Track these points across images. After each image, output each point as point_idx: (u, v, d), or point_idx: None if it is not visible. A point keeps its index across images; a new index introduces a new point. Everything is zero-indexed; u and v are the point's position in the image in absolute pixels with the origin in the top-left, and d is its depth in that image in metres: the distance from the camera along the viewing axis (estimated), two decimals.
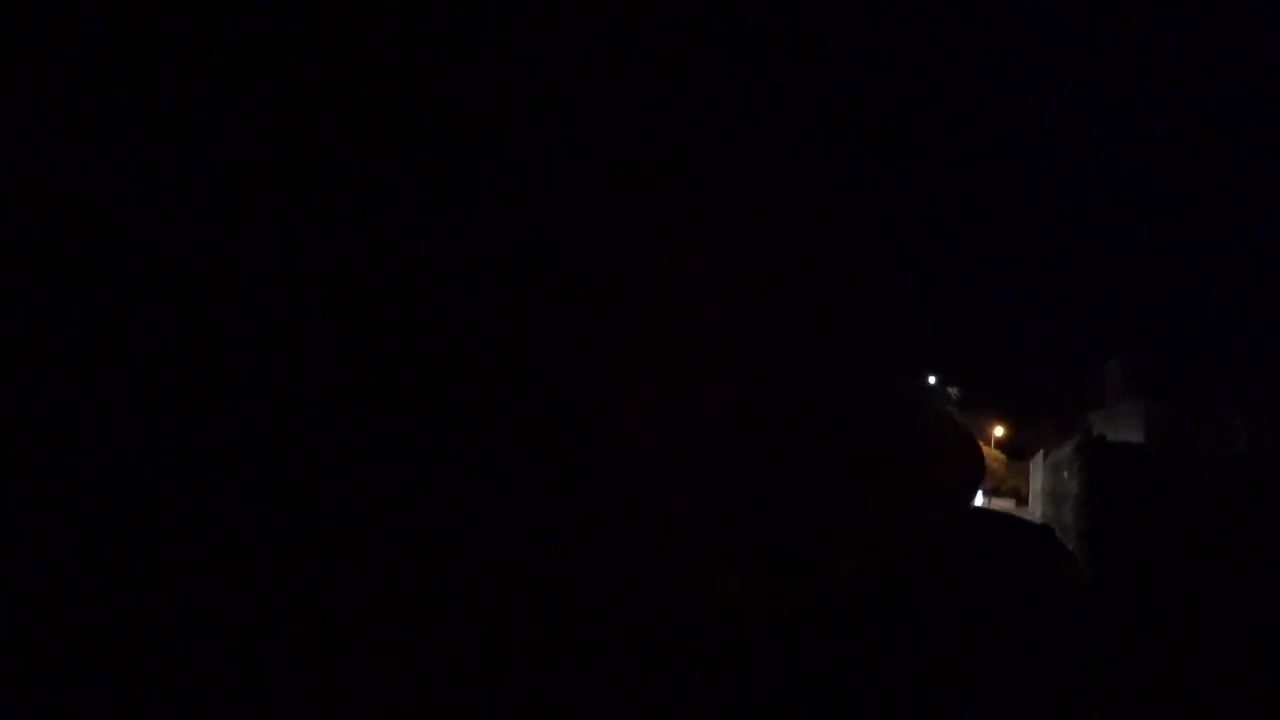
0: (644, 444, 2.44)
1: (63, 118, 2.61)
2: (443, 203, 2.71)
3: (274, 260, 2.63)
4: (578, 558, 2.34)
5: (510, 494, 2.42)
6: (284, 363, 2.58)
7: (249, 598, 2.37)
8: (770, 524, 2.51)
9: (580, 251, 2.56)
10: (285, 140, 2.66)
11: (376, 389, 2.58)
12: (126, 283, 2.54)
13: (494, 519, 2.43)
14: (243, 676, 2.29)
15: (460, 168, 2.72)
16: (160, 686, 2.26)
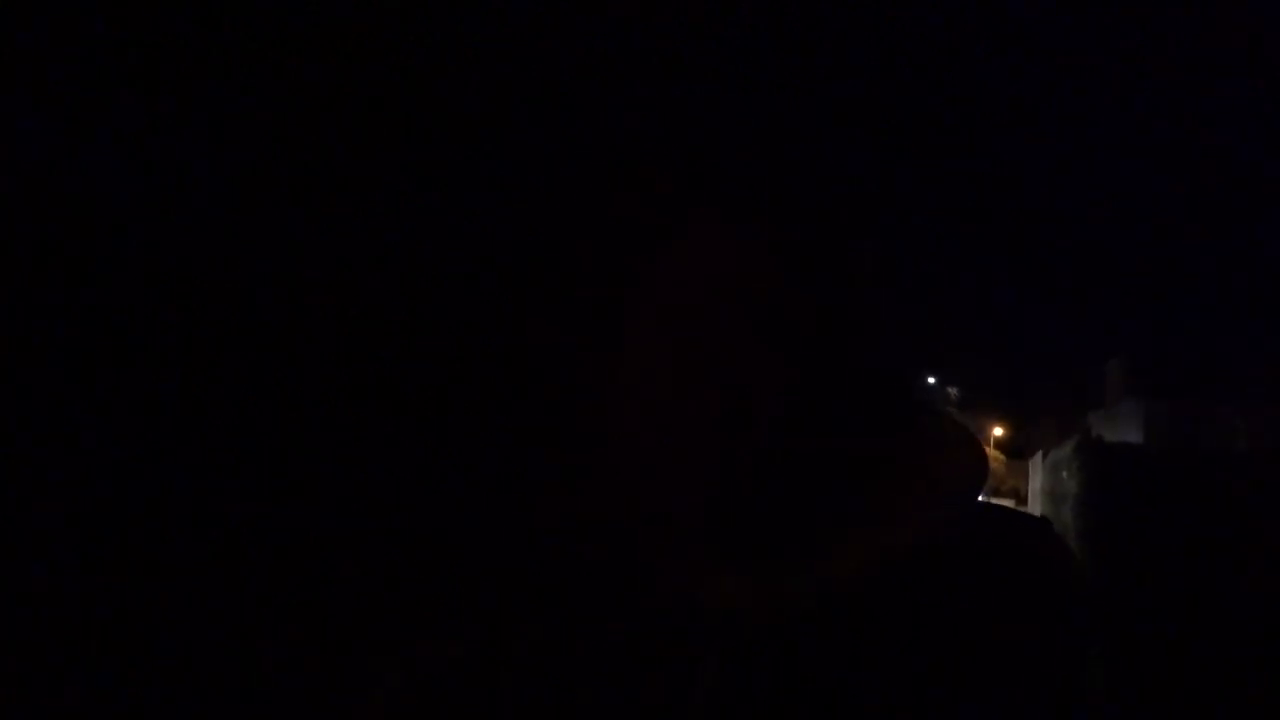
0: (644, 444, 2.43)
1: (63, 118, 2.62)
2: (442, 202, 2.71)
3: (274, 260, 2.63)
4: (578, 558, 2.32)
5: (510, 494, 2.42)
6: (284, 363, 2.59)
7: (248, 598, 2.37)
8: (770, 524, 2.49)
9: (580, 251, 2.55)
10: (285, 140, 2.66)
11: (376, 389, 2.59)
12: (126, 283, 2.54)
13: (494, 519, 2.43)
14: (242, 676, 2.30)
15: (460, 168, 2.72)
16: (160, 686, 2.26)
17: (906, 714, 2.34)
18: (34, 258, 2.41)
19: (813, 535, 2.50)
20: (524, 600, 2.36)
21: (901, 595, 2.45)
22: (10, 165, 2.50)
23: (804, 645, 2.35)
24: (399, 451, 2.49)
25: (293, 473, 2.43)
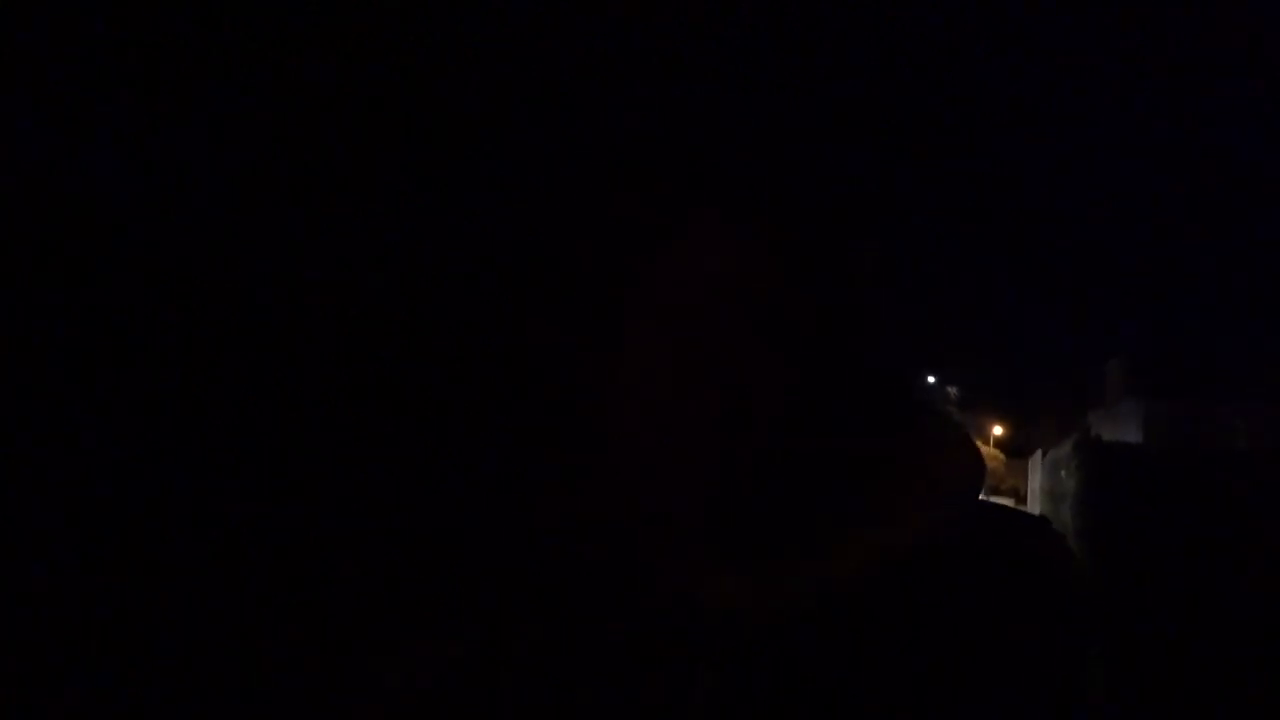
0: (644, 444, 2.43)
1: (63, 118, 2.62)
2: (442, 202, 2.71)
3: (274, 260, 2.63)
4: (578, 558, 2.33)
5: (510, 494, 2.42)
6: (284, 363, 2.58)
7: (248, 597, 2.37)
8: (770, 524, 2.50)
9: (580, 251, 2.55)
10: (285, 140, 2.66)
11: (376, 389, 2.58)
12: (126, 283, 2.54)
13: (494, 519, 2.42)
14: (242, 676, 2.29)
15: (460, 168, 2.72)
16: (160, 686, 2.25)
17: (906, 714, 2.34)
18: (34, 258, 2.41)
19: (813, 535, 2.50)
20: (524, 600, 2.36)
21: (901, 595, 2.44)
22: (10, 165, 2.50)
23: (804, 645, 2.35)
24: (399, 452, 2.49)
25: (293, 473, 2.43)
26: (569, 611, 2.43)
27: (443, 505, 2.48)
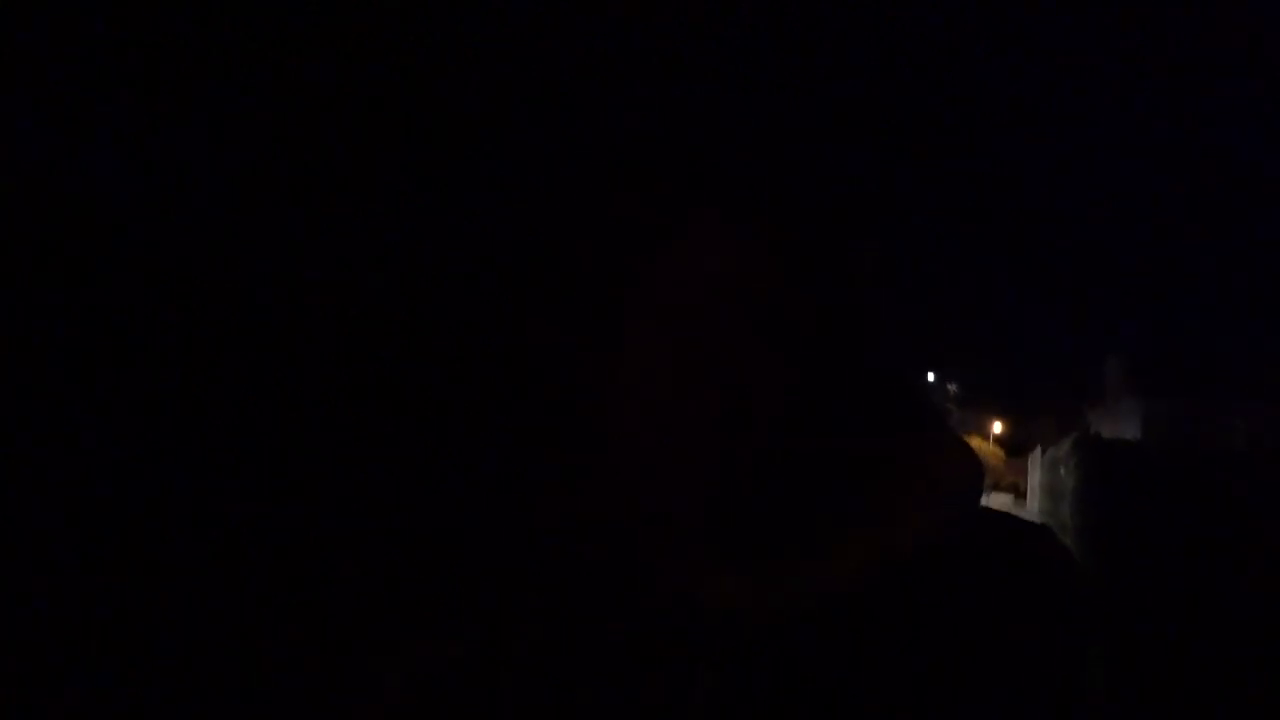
0: (644, 444, 2.43)
1: (63, 118, 2.62)
2: (442, 202, 2.71)
3: (274, 260, 2.63)
4: (578, 558, 2.33)
5: (510, 494, 2.42)
6: (284, 363, 2.59)
7: (248, 597, 2.37)
8: (770, 524, 2.49)
9: (580, 251, 2.55)
10: (285, 140, 2.66)
11: (376, 389, 2.58)
12: (126, 282, 2.54)
13: (494, 519, 2.42)
14: (242, 676, 2.29)
15: (460, 167, 2.72)
16: (160, 686, 2.26)
17: (906, 714, 2.34)
18: (34, 258, 2.41)
19: (813, 535, 2.50)
20: (524, 600, 2.36)
21: (902, 596, 2.44)
22: (10, 165, 2.50)
23: (804, 645, 2.35)
24: (400, 452, 2.50)
25: (293, 473, 2.43)
26: (569, 611, 2.43)
27: (443, 505, 2.49)
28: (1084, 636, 2.60)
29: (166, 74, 2.38)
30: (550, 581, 2.21)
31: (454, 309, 2.43)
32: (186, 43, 2.39)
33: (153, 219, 2.50)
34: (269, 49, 2.40)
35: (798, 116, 2.95)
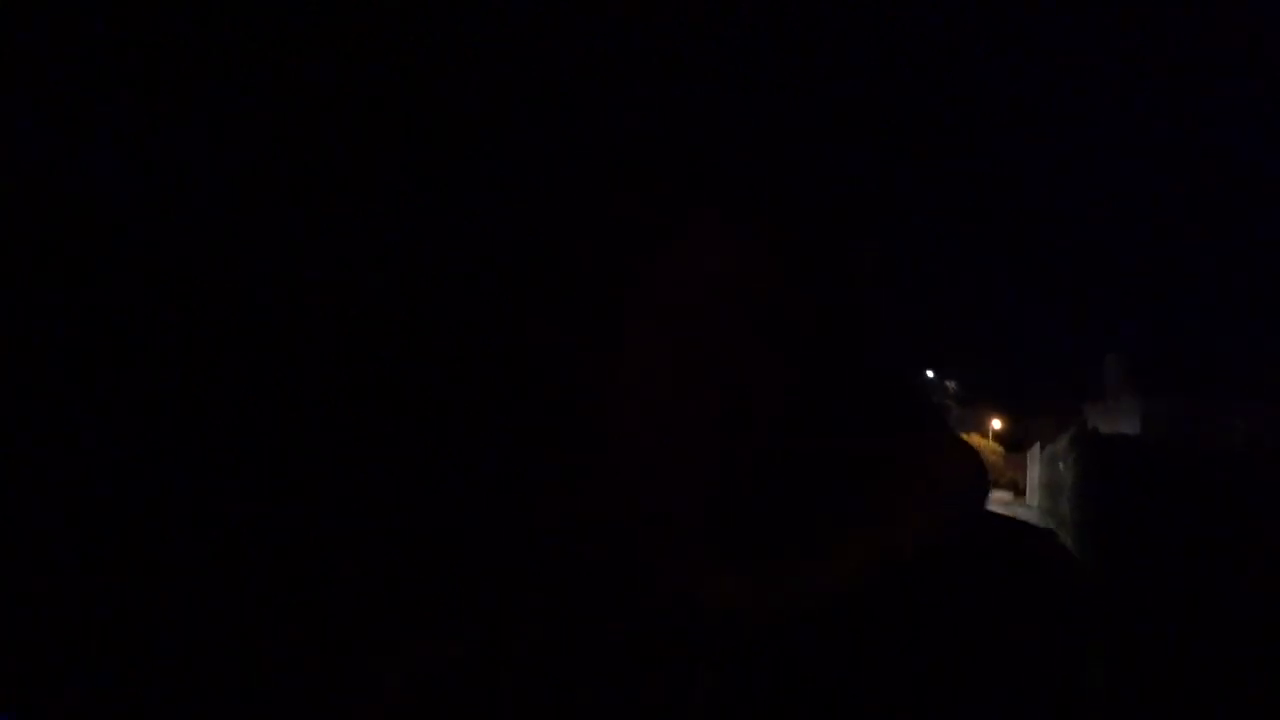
0: (644, 444, 2.42)
1: (63, 118, 2.62)
2: (442, 202, 2.72)
3: (274, 260, 2.63)
4: (578, 558, 2.32)
5: (510, 494, 2.42)
6: (284, 363, 2.59)
7: (248, 597, 2.37)
8: (770, 524, 2.48)
9: (580, 251, 2.55)
10: (285, 140, 2.66)
11: (376, 389, 2.59)
12: (127, 283, 2.54)
13: (494, 519, 2.43)
14: (242, 676, 2.30)
15: (460, 167, 2.72)
16: (160, 686, 2.26)
17: (907, 714, 2.34)
18: (34, 258, 2.41)
19: (813, 535, 2.50)
20: (524, 600, 2.36)
21: (902, 596, 2.44)
22: (10, 165, 2.50)
23: (804, 645, 2.35)
24: (399, 451, 2.50)
25: (293, 473, 2.43)
26: (569, 611, 2.43)
27: (443, 505, 2.49)
28: (1085, 637, 2.60)
29: (166, 74, 2.38)
30: (550, 581, 2.21)
31: (453, 309, 2.42)
32: (186, 43, 2.39)
33: (153, 219, 2.50)
34: (269, 49, 2.40)
35: (798, 116, 2.95)
